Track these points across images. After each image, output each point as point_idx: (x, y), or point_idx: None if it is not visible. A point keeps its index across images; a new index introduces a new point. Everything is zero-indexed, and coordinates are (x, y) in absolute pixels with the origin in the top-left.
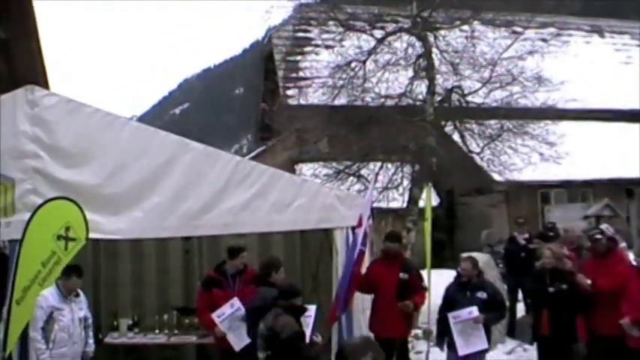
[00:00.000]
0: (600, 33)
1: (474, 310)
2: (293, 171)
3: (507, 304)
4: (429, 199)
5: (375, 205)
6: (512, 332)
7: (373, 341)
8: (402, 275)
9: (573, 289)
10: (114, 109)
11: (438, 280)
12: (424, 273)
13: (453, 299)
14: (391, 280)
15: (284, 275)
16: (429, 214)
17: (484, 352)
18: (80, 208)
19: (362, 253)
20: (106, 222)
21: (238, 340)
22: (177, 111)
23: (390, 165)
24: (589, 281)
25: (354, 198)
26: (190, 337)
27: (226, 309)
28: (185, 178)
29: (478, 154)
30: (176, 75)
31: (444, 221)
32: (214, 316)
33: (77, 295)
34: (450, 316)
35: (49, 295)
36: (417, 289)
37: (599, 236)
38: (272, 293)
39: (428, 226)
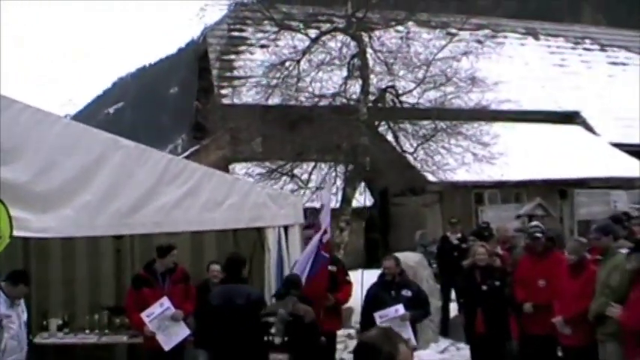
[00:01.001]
0: (535, 35)
1: (400, 308)
2: (227, 170)
3: (440, 303)
4: (365, 197)
5: (308, 204)
6: (445, 331)
7: (393, 331)
8: (330, 268)
9: (504, 287)
10: (47, 107)
11: (372, 280)
12: (357, 273)
13: (378, 298)
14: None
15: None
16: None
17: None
18: (4, 205)
19: (325, 262)
20: (35, 220)
21: (168, 339)
22: (111, 110)
23: (323, 165)
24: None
25: (286, 197)
26: (121, 336)
27: (155, 308)
28: (116, 176)
29: (412, 154)
30: (111, 74)
31: (378, 221)
32: (143, 315)
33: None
34: (377, 315)
35: None
36: (341, 284)
37: (539, 234)
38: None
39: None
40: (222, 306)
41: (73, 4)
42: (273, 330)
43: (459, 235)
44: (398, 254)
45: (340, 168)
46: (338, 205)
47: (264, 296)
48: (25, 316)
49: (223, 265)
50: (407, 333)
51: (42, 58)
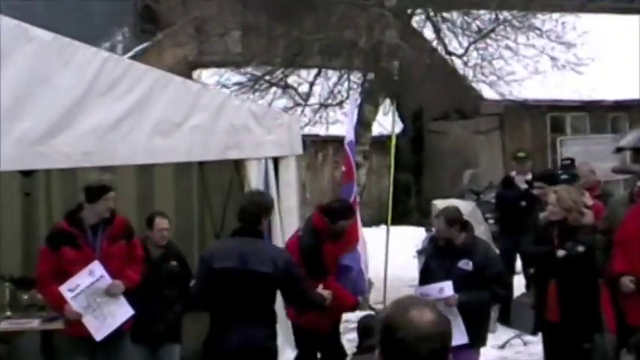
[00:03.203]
0: None
1: (446, 287)
2: (189, 78)
3: None
4: (393, 119)
5: (308, 130)
6: (506, 317)
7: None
8: None
9: (592, 255)
10: None
11: (399, 242)
12: (379, 231)
13: (430, 270)
14: None
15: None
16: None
17: (464, 349)
18: None
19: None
20: None
21: (100, 324)
22: None
23: (330, 71)
24: None
25: (277, 116)
26: (31, 320)
27: (82, 278)
28: (24, 83)
29: (460, 57)
30: None
31: (409, 156)
32: (64, 288)
33: None
34: (416, 291)
35: None
36: None
37: None
38: None
39: (391, 161)
40: (235, 271)
41: None
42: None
43: (529, 176)
44: (438, 203)
45: (355, 76)
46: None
47: (291, 259)
48: None
49: (240, 208)
50: (455, 324)
51: None
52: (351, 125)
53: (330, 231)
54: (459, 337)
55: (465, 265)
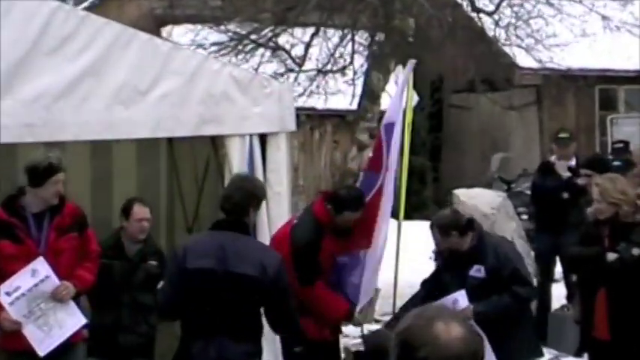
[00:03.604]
0: None
1: (459, 298)
2: (158, 36)
3: (535, 282)
4: (409, 89)
5: (303, 102)
6: (542, 334)
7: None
8: None
9: None
10: None
11: (412, 239)
12: (391, 226)
13: (437, 280)
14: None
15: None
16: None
17: None
18: None
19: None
20: None
21: (45, 336)
22: None
23: (331, 30)
24: None
25: (265, 83)
26: None
27: (23, 279)
28: None
29: (490, 14)
30: None
31: (425, 136)
32: (0, 292)
33: None
34: None
35: None
36: None
37: None
38: None
39: (407, 139)
40: (213, 273)
41: None
42: None
43: (572, 162)
44: (460, 193)
45: (362, 37)
46: (354, 103)
47: (284, 266)
48: None
49: (223, 195)
50: None
51: None
52: (398, 101)
53: (333, 223)
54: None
55: (477, 272)
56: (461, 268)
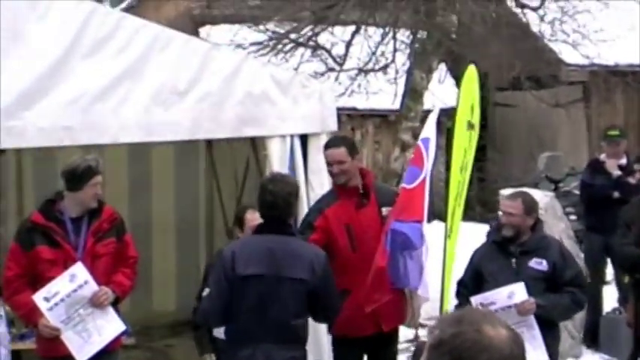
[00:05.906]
0: None
1: (516, 291)
2: (196, 36)
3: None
4: (471, 82)
5: (344, 102)
6: (594, 337)
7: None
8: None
9: None
10: None
11: (462, 241)
12: (435, 228)
13: (485, 271)
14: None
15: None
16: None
17: None
18: None
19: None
20: None
21: (84, 342)
22: None
23: (372, 28)
24: None
25: (305, 84)
26: None
27: (61, 284)
28: None
29: (536, 10)
30: None
31: None
32: (38, 297)
33: None
34: (475, 300)
35: None
36: None
37: None
38: None
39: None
40: (264, 279)
41: None
42: None
43: (623, 160)
44: (509, 191)
45: (403, 35)
46: (396, 103)
47: (328, 262)
48: None
49: (261, 201)
50: (531, 337)
51: None
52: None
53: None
54: (539, 353)
55: (538, 264)
56: (517, 256)
